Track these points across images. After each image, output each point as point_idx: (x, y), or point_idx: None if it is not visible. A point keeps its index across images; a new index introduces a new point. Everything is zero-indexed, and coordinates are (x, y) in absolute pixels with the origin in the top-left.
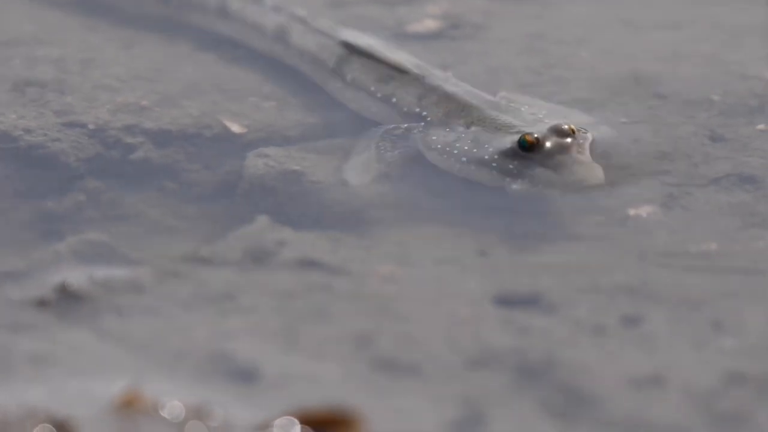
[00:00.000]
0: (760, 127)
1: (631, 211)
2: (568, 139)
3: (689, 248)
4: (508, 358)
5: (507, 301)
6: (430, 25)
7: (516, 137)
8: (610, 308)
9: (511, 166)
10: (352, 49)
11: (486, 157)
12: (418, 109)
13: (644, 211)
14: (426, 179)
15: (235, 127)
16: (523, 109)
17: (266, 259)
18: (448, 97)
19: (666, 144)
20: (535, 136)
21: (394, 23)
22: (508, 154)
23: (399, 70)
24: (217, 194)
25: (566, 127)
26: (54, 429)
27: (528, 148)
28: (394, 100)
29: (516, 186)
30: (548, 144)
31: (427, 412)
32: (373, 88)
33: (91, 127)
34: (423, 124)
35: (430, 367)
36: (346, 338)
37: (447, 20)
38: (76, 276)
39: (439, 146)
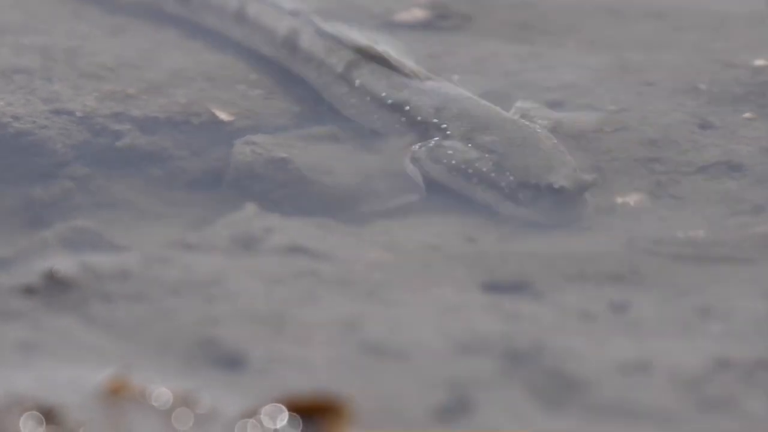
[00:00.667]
0: (747, 115)
1: (619, 199)
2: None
3: (677, 236)
4: (496, 344)
5: (495, 288)
6: (417, 14)
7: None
8: (597, 295)
9: (521, 196)
10: (364, 54)
11: (503, 184)
12: (436, 120)
13: (632, 199)
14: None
15: (223, 115)
16: (539, 130)
17: (254, 246)
18: (462, 112)
19: (654, 131)
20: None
21: (382, 12)
22: (528, 187)
23: (412, 77)
24: (205, 181)
25: (590, 178)
26: (41, 416)
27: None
28: (407, 108)
29: (515, 210)
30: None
31: (415, 398)
32: (384, 94)
33: (78, 114)
34: (438, 137)
35: (417, 353)
36: (334, 324)
37: (435, 10)
38: (64, 263)
39: (453, 162)
